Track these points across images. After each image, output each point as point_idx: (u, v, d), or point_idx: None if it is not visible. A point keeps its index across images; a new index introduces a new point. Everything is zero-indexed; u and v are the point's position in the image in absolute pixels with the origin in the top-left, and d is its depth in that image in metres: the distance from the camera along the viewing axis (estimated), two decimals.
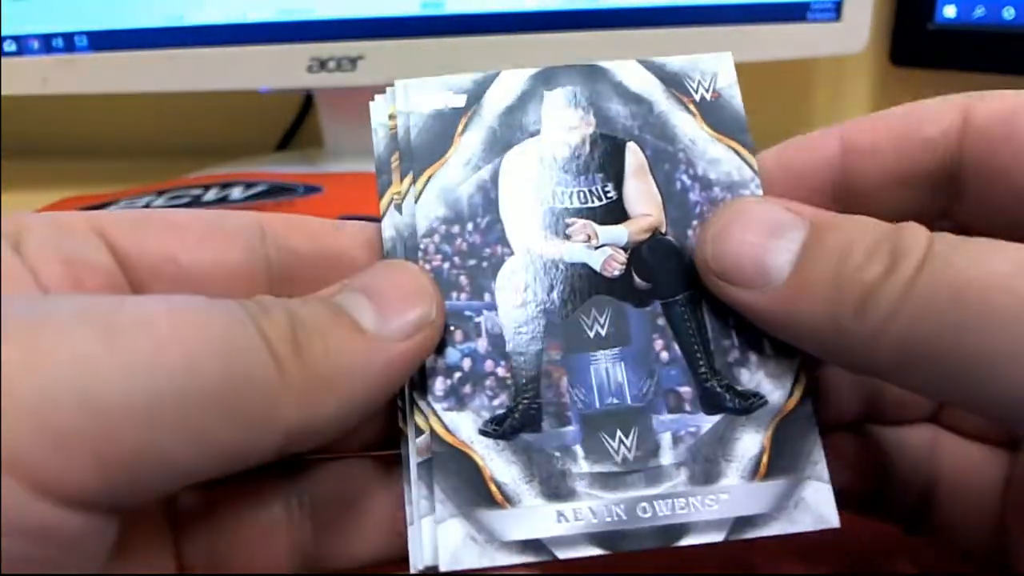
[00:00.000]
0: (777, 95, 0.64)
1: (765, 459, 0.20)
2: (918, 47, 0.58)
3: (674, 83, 0.22)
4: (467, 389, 0.20)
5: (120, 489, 0.14)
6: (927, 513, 0.23)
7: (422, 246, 0.21)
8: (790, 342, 0.19)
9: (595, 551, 0.19)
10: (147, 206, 0.50)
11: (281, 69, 0.53)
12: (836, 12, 0.52)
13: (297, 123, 0.67)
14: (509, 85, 0.22)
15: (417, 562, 0.19)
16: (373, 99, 0.22)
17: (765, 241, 0.19)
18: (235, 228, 0.20)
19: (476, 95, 0.22)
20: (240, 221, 0.20)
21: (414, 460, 0.19)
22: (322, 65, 0.53)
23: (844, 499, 0.19)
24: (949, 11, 0.55)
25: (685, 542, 0.19)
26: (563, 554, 0.19)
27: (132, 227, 0.19)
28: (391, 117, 0.22)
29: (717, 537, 0.19)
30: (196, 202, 0.52)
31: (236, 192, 0.53)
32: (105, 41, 0.53)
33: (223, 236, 0.20)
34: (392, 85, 0.22)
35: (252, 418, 0.16)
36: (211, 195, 0.53)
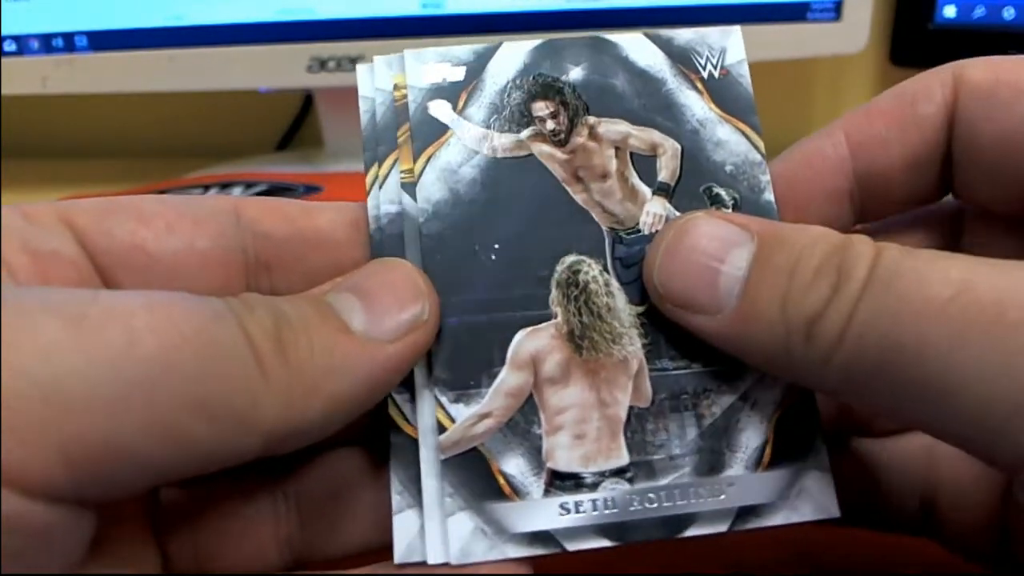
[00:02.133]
0: (777, 95, 0.64)
1: (768, 449, 0.20)
2: (918, 47, 0.58)
3: (681, 58, 0.22)
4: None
5: (87, 483, 0.14)
6: (930, 519, 0.23)
7: (424, 231, 0.20)
8: (745, 361, 0.19)
9: (603, 543, 0.19)
10: None
11: (281, 69, 0.53)
12: (836, 12, 0.52)
13: (297, 123, 0.67)
14: (510, 57, 0.21)
15: (407, 554, 0.19)
16: (357, 74, 0.21)
17: (713, 263, 0.18)
18: (207, 214, 0.19)
19: (477, 68, 0.21)
20: (213, 205, 0.20)
21: (434, 456, 0.19)
22: (322, 65, 0.53)
23: (845, 515, 0.19)
24: (949, 11, 0.55)
25: (690, 533, 0.19)
26: (572, 546, 0.19)
27: (100, 216, 0.19)
28: (381, 90, 0.21)
29: (721, 527, 0.19)
30: None
31: (236, 192, 0.53)
32: (105, 41, 0.53)
33: (194, 223, 0.19)
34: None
35: (230, 418, 0.15)
36: (211, 195, 0.53)
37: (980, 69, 0.20)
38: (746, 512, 0.19)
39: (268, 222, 0.20)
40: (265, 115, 0.67)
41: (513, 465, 0.19)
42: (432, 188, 0.20)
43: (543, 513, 0.19)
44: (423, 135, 0.21)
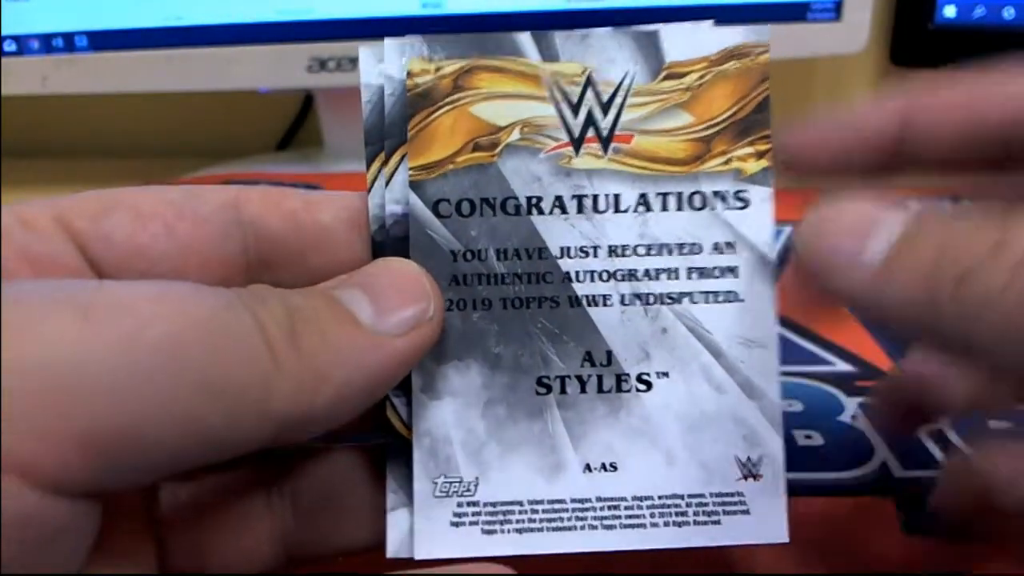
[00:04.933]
0: (777, 95, 0.64)
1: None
2: (918, 47, 0.58)
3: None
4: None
5: (103, 472, 0.14)
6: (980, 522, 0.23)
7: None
8: (879, 324, 0.19)
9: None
10: None
11: (281, 69, 0.53)
12: (836, 12, 0.52)
13: (297, 123, 0.67)
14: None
15: (398, 550, 0.19)
16: (360, 57, 0.20)
17: (860, 233, 0.18)
18: (208, 211, 0.19)
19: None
20: (214, 200, 0.20)
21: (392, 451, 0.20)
22: (322, 65, 0.53)
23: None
24: (949, 11, 0.55)
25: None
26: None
27: (97, 217, 0.19)
28: (391, 77, 0.20)
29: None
30: None
31: None
32: (105, 41, 0.53)
33: (194, 223, 0.19)
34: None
35: (243, 404, 0.15)
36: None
37: None
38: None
39: (270, 219, 0.20)
40: (265, 115, 0.67)
41: None
42: (404, 188, 0.20)
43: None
44: (397, 132, 0.20)
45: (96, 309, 0.14)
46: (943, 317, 0.17)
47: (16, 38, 0.53)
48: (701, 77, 0.20)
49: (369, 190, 0.20)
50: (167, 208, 0.19)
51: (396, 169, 0.20)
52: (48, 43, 0.53)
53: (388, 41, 0.20)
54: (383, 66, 0.20)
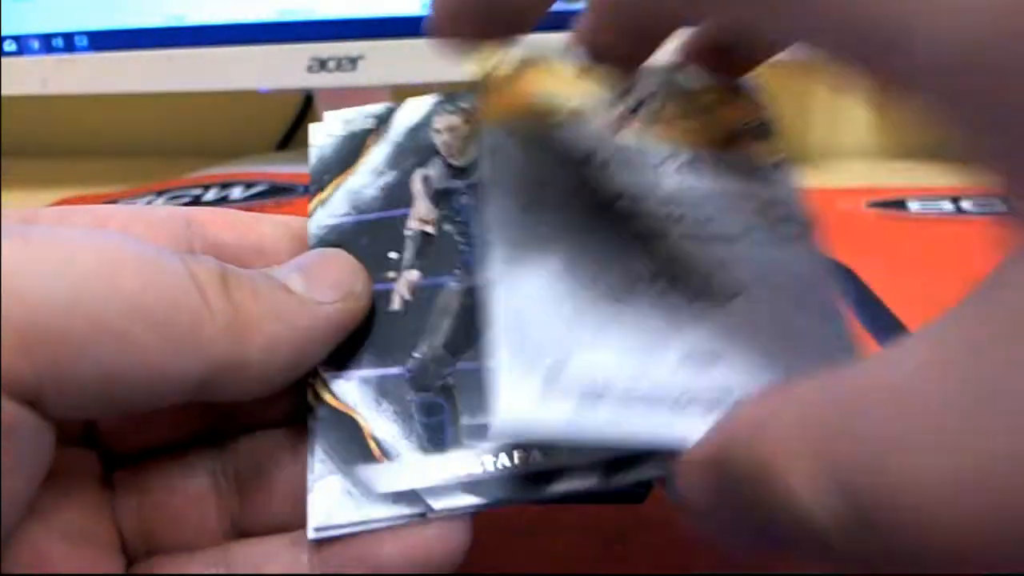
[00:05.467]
0: (777, 95, 0.64)
1: None
2: None
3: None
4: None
5: (48, 380, 0.15)
6: None
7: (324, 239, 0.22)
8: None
9: (469, 499, 0.19)
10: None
11: (281, 69, 0.53)
12: None
13: (297, 123, 0.67)
14: (415, 107, 0.24)
15: (328, 518, 0.19)
16: (373, 99, 0.24)
17: None
18: (159, 218, 0.21)
19: (385, 118, 0.24)
20: (165, 211, 0.21)
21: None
22: (322, 65, 0.53)
23: None
24: None
25: (558, 488, 0.19)
26: (438, 504, 0.19)
27: (59, 218, 0.20)
28: (331, 135, 0.24)
29: (590, 482, 0.19)
30: (196, 202, 0.52)
31: (236, 192, 0.53)
32: (105, 41, 0.53)
33: (147, 225, 0.20)
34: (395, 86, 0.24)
35: (177, 333, 0.16)
36: (211, 195, 0.53)
37: None
38: (615, 466, 0.18)
39: (219, 229, 0.21)
40: (265, 115, 0.67)
41: (386, 431, 0.20)
42: (336, 206, 0.23)
43: (410, 473, 0.19)
44: (333, 169, 0.24)
45: (36, 238, 0.16)
46: None
47: (16, 38, 0.53)
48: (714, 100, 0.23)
49: (311, 216, 0.23)
50: (121, 212, 0.21)
51: (332, 193, 0.23)
52: (48, 43, 0.54)
53: (328, 114, 0.25)
54: (328, 129, 0.24)
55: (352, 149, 0.24)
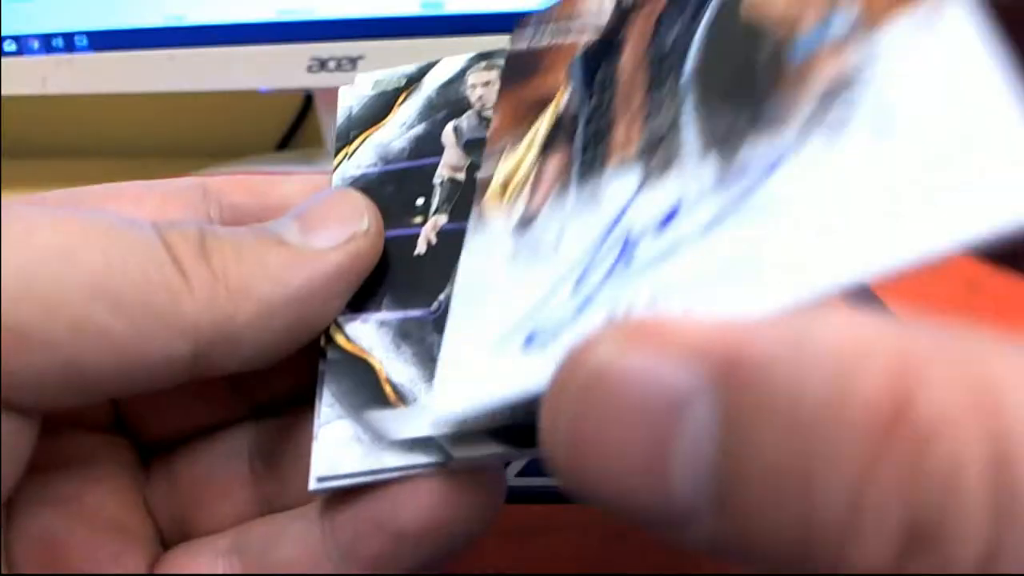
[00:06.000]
0: None
1: None
2: None
3: None
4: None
5: (8, 377, 0.14)
6: None
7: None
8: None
9: (493, 448, 0.16)
10: None
11: (281, 69, 0.53)
12: None
13: (297, 123, 0.67)
14: (449, 65, 0.23)
15: (332, 467, 0.17)
16: (339, 93, 0.24)
17: (655, 434, 0.10)
18: (175, 189, 0.19)
19: (417, 76, 0.23)
20: (181, 181, 0.20)
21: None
22: (322, 65, 0.53)
23: None
24: None
25: None
26: (460, 453, 0.16)
27: (69, 197, 0.19)
28: (359, 95, 0.23)
29: None
30: None
31: None
32: (105, 41, 0.53)
33: (162, 196, 0.19)
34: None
35: (146, 312, 0.15)
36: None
37: None
38: None
39: (234, 194, 0.20)
40: (265, 115, 0.67)
41: (403, 374, 0.18)
42: (363, 156, 0.22)
43: (430, 419, 0.17)
44: (360, 125, 0.23)
45: None
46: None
47: (16, 38, 0.53)
48: None
49: (334, 170, 0.22)
50: (135, 186, 0.19)
51: (359, 146, 0.22)
52: (48, 43, 0.54)
53: (360, 75, 0.24)
54: (358, 91, 0.24)
55: (382, 106, 0.23)
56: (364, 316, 0.19)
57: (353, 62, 0.52)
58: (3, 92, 0.54)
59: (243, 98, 0.58)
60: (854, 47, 0.15)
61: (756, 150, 0.15)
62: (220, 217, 0.20)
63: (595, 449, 0.11)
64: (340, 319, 0.19)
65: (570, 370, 0.11)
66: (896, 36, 0.14)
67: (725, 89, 0.17)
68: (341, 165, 0.22)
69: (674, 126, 0.17)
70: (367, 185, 0.21)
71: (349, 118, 0.23)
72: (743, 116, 0.16)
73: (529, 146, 0.20)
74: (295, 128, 0.67)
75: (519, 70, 0.21)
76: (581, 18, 0.21)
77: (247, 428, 0.20)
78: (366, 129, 0.23)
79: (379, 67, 0.24)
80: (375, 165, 0.22)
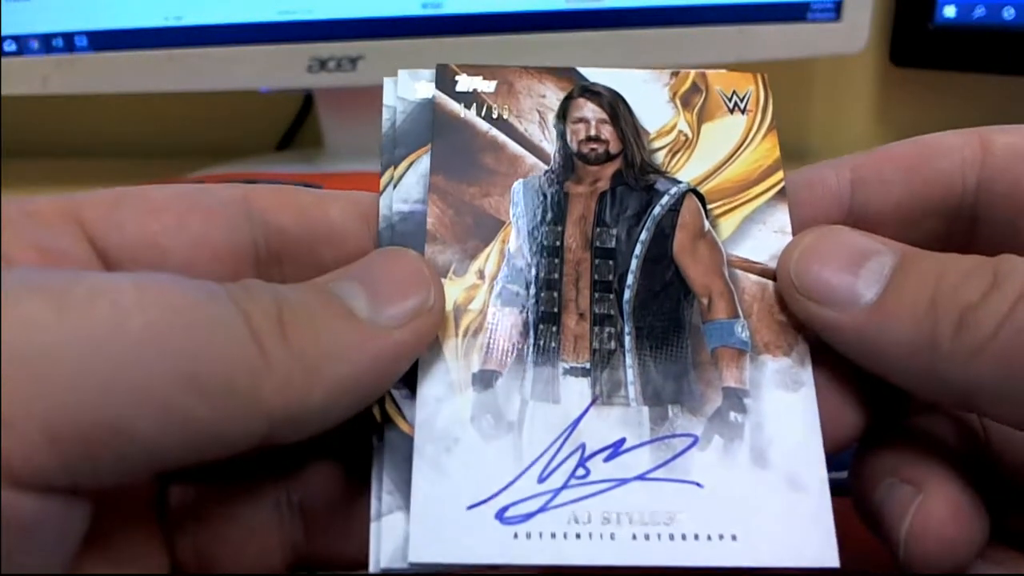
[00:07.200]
0: (777, 95, 0.64)
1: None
2: (918, 47, 0.58)
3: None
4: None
5: (77, 466, 0.14)
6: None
7: (400, 229, 0.20)
8: (870, 367, 0.19)
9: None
10: None
11: (281, 69, 0.53)
12: (836, 12, 0.52)
13: (297, 123, 0.67)
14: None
15: (392, 559, 0.17)
16: (383, 84, 0.22)
17: (854, 263, 0.18)
18: (219, 205, 0.19)
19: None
20: (224, 195, 0.19)
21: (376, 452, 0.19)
22: (322, 65, 0.53)
23: None
24: (949, 11, 0.55)
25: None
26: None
27: (109, 210, 0.18)
28: (403, 99, 0.22)
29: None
30: None
31: None
32: (105, 41, 0.53)
33: (205, 215, 0.19)
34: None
35: (230, 397, 0.15)
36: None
37: (1015, 133, 0.20)
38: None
39: (280, 214, 0.19)
40: (265, 115, 0.67)
41: None
42: (410, 189, 0.21)
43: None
44: (406, 143, 0.21)
45: (72, 297, 0.14)
46: (943, 359, 0.17)
47: (16, 38, 0.53)
48: None
49: (381, 193, 0.21)
50: (178, 201, 0.19)
51: (405, 172, 0.21)
52: (48, 43, 0.53)
53: (401, 72, 0.22)
54: (399, 90, 0.22)
55: (426, 124, 0.22)
56: (408, 391, 0.19)
57: (353, 62, 0.52)
58: (3, 92, 0.54)
59: (243, 98, 0.58)
60: (749, 366, 0.19)
61: (678, 421, 0.19)
62: (266, 242, 0.19)
63: (818, 258, 0.19)
64: (397, 396, 0.19)
65: (809, 230, 0.20)
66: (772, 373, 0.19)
67: (658, 338, 0.20)
68: (387, 190, 0.21)
69: (616, 354, 0.20)
70: (417, 228, 0.20)
71: (393, 127, 0.22)
72: (669, 386, 0.19)
73: (479, 276, 0.20)
74: (295, 128, 0.67)
75: (455, 167, 0.21)
76: (522, 122, 0.22)
77: (278, 474, 0.20)
78: (412, 151, 0.21)
79: (379, 67, 0.23)
80: (421, 202, 0.21)
